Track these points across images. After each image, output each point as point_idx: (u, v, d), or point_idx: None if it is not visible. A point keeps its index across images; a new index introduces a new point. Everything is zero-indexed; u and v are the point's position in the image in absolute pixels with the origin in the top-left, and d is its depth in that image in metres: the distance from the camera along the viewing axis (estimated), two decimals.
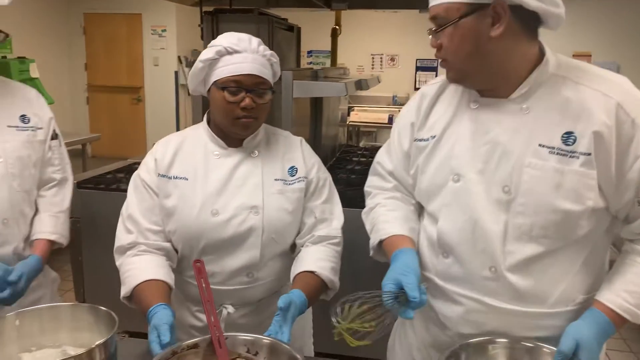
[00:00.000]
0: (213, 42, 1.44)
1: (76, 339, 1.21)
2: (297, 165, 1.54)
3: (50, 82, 6.62)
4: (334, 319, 1.18)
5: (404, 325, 1.50)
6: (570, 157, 1.15)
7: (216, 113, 1.47)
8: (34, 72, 6.27)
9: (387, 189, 1.47)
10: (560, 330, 1.19)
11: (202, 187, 1.45)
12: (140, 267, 1.41)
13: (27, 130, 1.70)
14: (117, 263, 1.49)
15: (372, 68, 8.77)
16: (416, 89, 8.49)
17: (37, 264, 1.62)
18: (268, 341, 1.23)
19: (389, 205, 1.43)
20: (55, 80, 7.12)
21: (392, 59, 8.76)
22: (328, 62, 8.33)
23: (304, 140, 1.61)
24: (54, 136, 1.78)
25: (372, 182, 1.52)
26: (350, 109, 7.08)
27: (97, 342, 1.05)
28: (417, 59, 8.54)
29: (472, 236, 1.24)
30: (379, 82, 4.13)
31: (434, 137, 1.32)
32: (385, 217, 1.40)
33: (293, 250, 1.58)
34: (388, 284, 1.20)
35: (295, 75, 2.71)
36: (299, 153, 1.57)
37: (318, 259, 1.49)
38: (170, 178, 1.47)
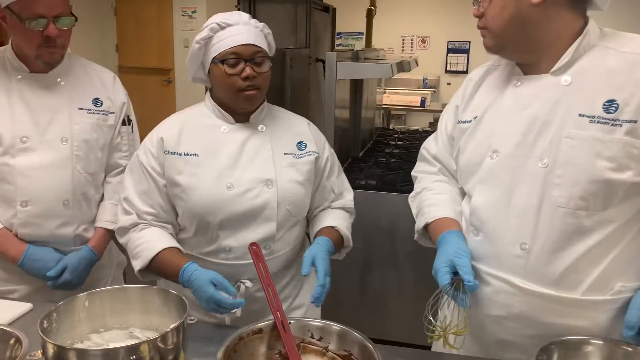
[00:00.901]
0: (204, 25, 1.46)
1: (144, 322, 1.20)
2: (305, 141, 1.57)
3: None
4: (435, 328, 1.23)
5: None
6: (613, 125, 1.12)
7: (219, 90, 1.49)
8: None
9: (432, 173, 1.49)
10: (595, 321, 1.17)
11: (214, 162, 1.46)
12: (152, 238, 1.45)
13: (98, 114, 1.69)
14: (122, 241, 1.52)
15: (403, 50, 8.63)
16: (447, 71, 8.36)
17: (86, 255, 1.65)
18: (337, 328, 1.21)
19: (435, 189, 1.44)
20: None
21: (423, 41, 8.61)
22: (357, 44, 8.26)
23: (310, 122, 1.65)
24: (126, 122, 1.78)
25: (419, 167, 1.55)
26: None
27: (171, 326, 1.03)
28: (448, 41, 8.37)
29: (504, 211, 1.22)
30: (417, 64, 4.06)
31: (476, 117, 1.32)
32: (431, 200, 1.41)
33: (302, 225, 1.63)
34: (442, 266, 1.21)
35: (338, 57, 2.66)
36: (306, 130, 1.60)
37: (337, 217, 1.60)
38: (180, 155, 1.47)
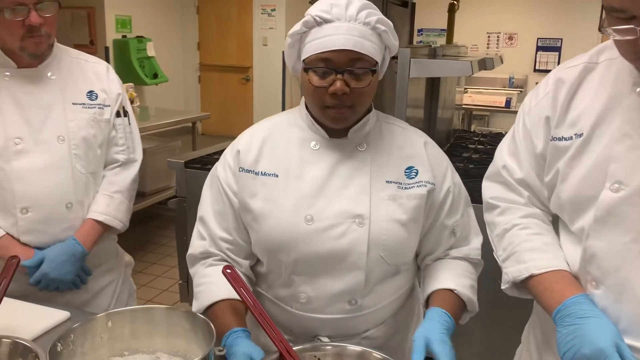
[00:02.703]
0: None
1: (171, 346, 1.08)
2: (417, 166, 1.22)
3: (165, 61, 6.83)
4: None
5: (528, 357, 1.24)
6: None
7: (307, 101, 1.22)
8: (151, 51, 6.50)
9: (521, 204, 1.17)
10: None
11: (295, 187, 1.19)
12: (214, 281, 1.21)
13: (94, 107, 1.57)
14: (191, 271, 1.31)
15: (488, 47, 8.20)
16: (536, 70, 7.85)
17: (68, 246, 1.51)
18: (349, 350, 1.07)
19: (532, 227, 1.14)
20: (169, 59, 7.32)
21: (510, 38, 8.12)
22: (439, 42, 7.93)
23: (429, 139, 1.29)
24: (121, 114, 1.64)
25: (497, 193, 1.20)
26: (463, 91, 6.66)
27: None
28: (538, 38, 7.85)
29: (636, 260, 0.95)
30: (502, 62, 3.76)
31: (580, 134, 1.03)
32: (530, 244, 1.11)
33: (408, 272, 1.32)
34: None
35: (412, 53, 2.46)
36: (421, 151, 1.24)
37: (456, 274, 1.23)
38: (257, 174, 1.22)
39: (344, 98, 1.12)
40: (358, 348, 1.08)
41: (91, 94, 1.58)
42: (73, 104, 1.54)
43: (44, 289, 1.51)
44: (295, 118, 1.27)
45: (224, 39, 8.11)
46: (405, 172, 1.21)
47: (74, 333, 0.99)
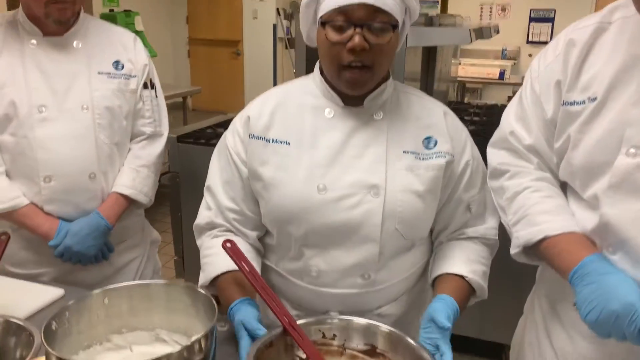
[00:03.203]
0: None
1: (171, 323, 1.04)
2: (436, 136, 1.17)
3: (153, 35, 6.67)
4: None
5: (535, 329, 1.21)
6: None
7: (323, 62, 1.16)
8: (139, 25, 6.35)
9: (531, 169, 1.13)
10: None
11: (307, 155, 1.14)
12: (219, 253, 1.14)
13: (120, 77, 1.54)
14: (197, 242, 1.27)
15: (481, 19, 8.08)
16: (529, 42, 7.77)
17: (91, 220, 1.51)
18: (354, 322, 1.04)
19: (544, 190, 1.09)
20: (158, 34, 7.17)
21: (504, 9, 8.02)
22: (432, 13, 7.82)
23: (449, 110, 1.22)
24: (148, 85, 1.61)
25: (505, 159, 1.15)
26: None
27: (195, 337, 0.86)
28: (531, 9, 7.76)
29: None
30: (498, 32, 3.69)
31: (594, 99, 0.98)
32: (542, 205, 1.07)
33: (423, 248, 1.28)
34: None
35: None
36: (440, 121, 1.18)
37: (469, 260, 1.18)
38: (268, 142, 1.17)
39: (363, 55, 1.05)
40: (364, 321, 1.04)
41: (117, 64, 1.55)
42: (98, 73, 1.52)
43: (67, 261, 1.52)
44: (309, 85, 1.21)
45: (213, 12, 7.94)
46: (423, 142, 1.16)
47: (69, 311, 0.95)
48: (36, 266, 1.56)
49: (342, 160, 1.13)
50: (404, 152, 1.15)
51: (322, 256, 1.16)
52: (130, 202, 1.61)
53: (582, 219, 1.03)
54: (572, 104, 1.02)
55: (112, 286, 1.01)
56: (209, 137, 2.89)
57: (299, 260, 1.20)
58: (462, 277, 1.15)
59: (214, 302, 0.95)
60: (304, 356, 1.01)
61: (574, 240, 1.02)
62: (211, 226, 1.24)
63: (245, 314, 1.02)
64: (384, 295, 1.22)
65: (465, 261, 1.18)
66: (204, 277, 1.19)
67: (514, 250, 1.11)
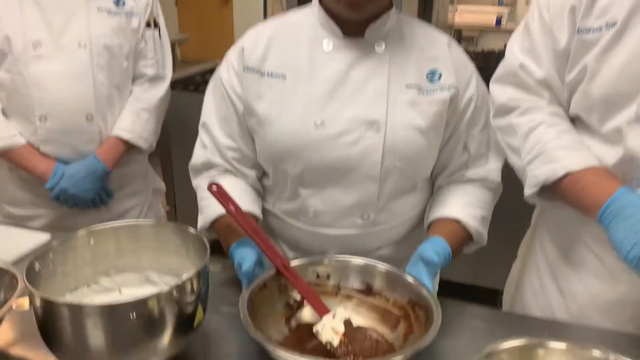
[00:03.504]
0: None
1: (161, 264, 1.00)
2: (441, 69, 1.09)
3: None
4: None
5: (537, 272, 1.18)
6: None
7: None
8: None
9: (543, 104, 1.06)
10: None
11: (304, 89, 1.08)
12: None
13: (120, 15, 1.47)
14: (193, 184, 1.22)
15: None
16: None
17: (88, 163, 1.48)
18: (349, 262, 1.01)
19: (561, 125, 1.03)
20: None
21: None
22: None
23: (453, 40, 1.15)
24: (151, 24, 1.55)
25: (514, 94, 1.08)
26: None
27: (186, 275, 0.82)
28: None
29: None
30: None
31: (613, 24, 0.92)
32: (561, 141, 1.01)
33: (424, 192, 1.23)
34: None
35: None
36: (444, 52, 1.11)
37: (467, 203, 1.13)
38: (263, 75, 1.11)
39: None
40: (359, 260, 1.01)
41: (118, 1, 1.48)
42: (98, 9, 1.45)
43: (64, 204, 1.50)
44: (306, 16, 1.14)
45: None
46: (427, 75, 1.09)
47: (52, 252, 0.90)
48: (33, 207, 1.55)
49: (340, 94, 1.07)
50: (407, 86, 1.08)
51: (319, 196, 1.12)
52: (129, 147, 1.56)
53: (600, 155, 0.98)
54: (588, 31, 0.96)
55: (97, 226, 0.96)
56: (198, 83, 2.82)
57: (296, 201, 1.15)
58: (457, 221, 1.11)
59: (206, 241, 0.91)
60: (298, 297, 0.98)
61: (599, 174, 0.96)
62: (208, 166, 1.19)
63: (242, 256, 0.98)
64: (383, 237, 1.19)
65: (462, 205, 1.13)
66: (203, 220, 1.15)
67: (529, 190, 1.04)
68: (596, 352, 0.76)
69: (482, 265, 2.56)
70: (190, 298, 0.83)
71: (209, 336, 0.98)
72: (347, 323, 0.91)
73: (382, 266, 0.99)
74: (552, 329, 1.02)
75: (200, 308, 0.86)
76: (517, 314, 1.20)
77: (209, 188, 1.01)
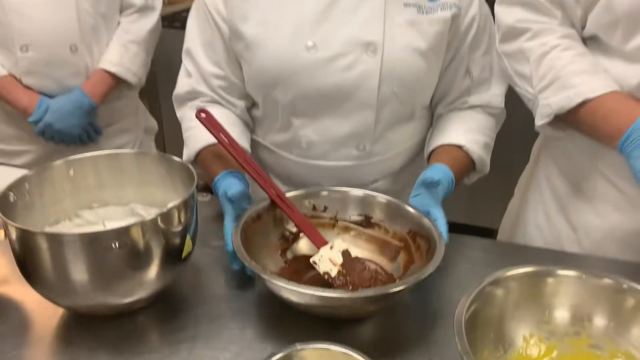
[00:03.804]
0: None
1: (146, 196, 0.94)
2: None
3: None
4: None
5: (543, 208, 1.13)
6: None
7: None
8: None
9: (556, 25, 0.97)
10: None
11: (294, 9, 0.99)
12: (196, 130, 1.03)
13: None
14: (178, 115, 1.15)
15: None
16: None
17: (73, 97, 1.41)
18: (347, 193, 0.96)
19: (575, 48, 0.95)
20: None
21: None
22: None
23: None
24: None
25: (523, 15, 0.99)
26: None
27: (172, 204, 0.77)
28: None
29: None
30: None
31: None
32: (577, 65, 0.93)
33: (423, 120, 1.16)
34: None
35: None
36: None
37: (469, 129, 1.07)
38: None
39: None
40: (358, 192, 0.96)
41: None
42: None
43: (50, 140, 1.44)
44: None
45: None
46: None
47: (29, 182, 0.84)
48: (19, 142, 1.49)
49: (333, 14, 0.98)
50: (405, 4, 0.99)
51: (312, 125, 1.06)
52: (117, 81, 1.49)
53: (622, 76, 0.90)
54: None
55: (76, 156, 0.90)
56: (185, 20, 2.69)
57: (287, 131, 1.09)
58: (459, 147, 1.05)
59: (192, 170, 0.85)
60: (294, 229, 0.94)
61: (619, 100, 0.89)
62: (193, 95, 1.12)
63: (229, 185, 0.92)
64: (379, 169, 1.13)
65: (464, 131, 1.07)
66: (188, 152, 1.08)
67: (541, 120, 0.97)
68: (610, 281, 0.72)
69: (476, 204, 2.53)
70: (177, 228, 0.78)
71: (200, 270, 0.94)
72: (345, 254, 0.87)
73: (381, 197, 0.94)
74: (560, 260, 0.98)
75: (188, 239, 0.81)
76: (522, 244, 1.15)
77: (197, 115, 0.94)
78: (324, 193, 0.97)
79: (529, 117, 1.02)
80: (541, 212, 1.13)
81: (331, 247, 0.87)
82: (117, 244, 0.72)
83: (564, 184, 1.08)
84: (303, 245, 0.94)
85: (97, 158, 0.91)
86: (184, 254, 0.81)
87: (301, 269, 0.90)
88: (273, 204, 0.91)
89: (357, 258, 0.87)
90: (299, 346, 0.69)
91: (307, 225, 0.90)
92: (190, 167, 0.86)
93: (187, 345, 0.78)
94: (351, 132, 1.05)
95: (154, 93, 2.71)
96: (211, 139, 1.01)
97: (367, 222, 0.95)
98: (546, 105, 0.95)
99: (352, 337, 0.80)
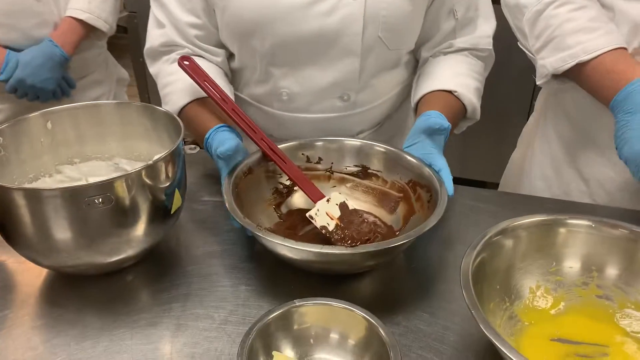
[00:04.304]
0: None
1: (130, 150, 0.89)
2: None
3: None
4: None
5: (550, 161, 1.09)
6: None
7: None
8: None
9: None
10: None
11: None
12: (182, 78, 0.94)
13: None
14: (152, 70, 1.06)
15: None
16: None
17: (43, 48, 1.32)
18: (342, 143, 0.92)
19: (573, 1, 0.89)
20: None
21: None
22: None
23: None
24: None
25: None
26: None
27: (158, 156, 0.72)
28: None
29: None
30: None
31: None
32: (574, 22, 0.88)
33: (409, 66, 1.10)
34: None
35: None
36: None
37: (458, 73, 1.01)
38: None
39: None
40: (356, 141, 0.91)
41: None
42: None
43: (23, 97, 1.36)
44: None
45: None
46: None
47: (3, 135, 0.78)
48: None
49: None
50: None
51: (293, 76, 1.00)
52: (87, 30, 1.41)
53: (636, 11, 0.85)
54: None
55: (53, 108, 0.84)
56: None
57: (267, 83, 1.03)
58: (450, 92, 0.99)
59: (179, 120, 0.80)
60: (287, 183, 0.89)
61: (618, 58, 0.84)
62: (168, 48, 1.03)
63: (221, 141, 0.86)
64: (365, 119, 1.08)
65: (453, 75, 1.01)
66: (171, 107, 0.99)
67: (540, 80, 0.94)
68: (626, 231, 0.69)
69: (469, 157, 2.50)
70: (165, 182, 0.74)
71: (191, 227, 0.90)
72: (343, 206, 0.82)
73: (380, 146, 0.90)
74: (569, 210, 0.95)
75: (177, 193, 0.77)
76: (528, 195, 1.11)
77: (180, 63, 0.88)
78: (319, 144, 0.92)
79: (521, 63, 0.98)
80: (549, 164, 1.09)
81: (328, 200, 0.83)
82: (100, 200, 0.67)
83: (575, 135, 1.03)
84: (297, 198, 0.90)
85: (75, 110, 0.85)
86: (173, 209, 0.77)
87: (297, 223, 0.86)
88: (265, 156, 0.86)
89: (355, 210, 0.83)
90: (297, 302, 0.66)
91: (302, 178, 0.86)
92: (177, 117, 0.80)
93: (179, 305, 0.74)
94: (335, 82, 1.00)
95: (137, 48, 2.61)
96: (195, 93, 0.95)
97: (364, 172, 0.91)
98: (542, 66, 0.92)
99: (351, 292, 0.77)
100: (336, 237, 0.79)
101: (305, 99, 1.02)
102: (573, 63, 0.87)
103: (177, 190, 0.77)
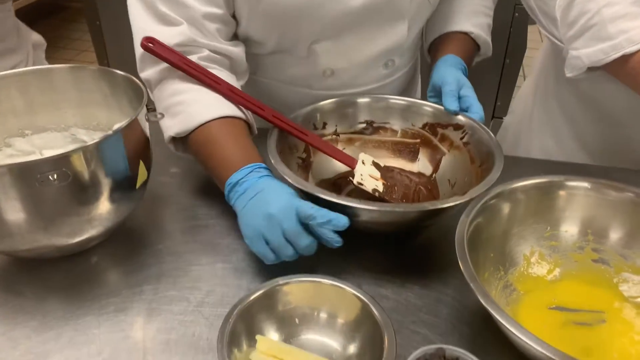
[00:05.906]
0: None
1: (89, 119, 0.81)
2: None
3: None
4: None
5: (548, 129, 1.05)
6: None
7: None
8: None
9: None
10: None
11: None
12: (206, 90, 0.77)
13: None
14: (154, 95, 0.82)
15: None
16: None
17: None
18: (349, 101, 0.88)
19: None
20: None
21: None
22: None
23: None
24: None
25: None
26: None
27: (118, 125, 0.64)
28: None
29: None
30: None
31: None
32: (614, 7, 0.75)
33: None
34: None
35: None
36: None
37: (472, 12, 0.97)
38: None
39: None
40: (352, 98, 0.89)
41: None
42: None
43: None
44: None
45: None
46: None
47: None
48: None
49: None
50: None
51: (337, 52, 0.89)
52: None
53: None
54: None
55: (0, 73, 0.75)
56: None
57: (307, 65, 0.91)
58: (466, 33, 0.96)
59: (141, 85, 0.72)
60: (304, 155, 0.82)
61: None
62: (185, 48, 0.79)
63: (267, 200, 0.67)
64: (401, 82, 1.03)
65: (468, 15, 0.97)
66: (183, 122, 0.76)
67: (572, 72, 0.83)
68: (632, 194, 0.65)
69: None
70: (127, 153, 0.66)
71: (159, 202, 0.83)
72: (376, 165, 0.80)
73: (380, 98, 0.88)
74: (573, 171, 0.90)
75: (142, 165, 0.70)
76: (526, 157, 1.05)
77: (143, 44, 0.73)
78: (326, 106, 0.87)
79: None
80: (549, 134, 1.04)
81: (363, 163, 0.79)
82: (55, 176, 0.60)
83: (587, 114, 0.98)
84: (316, 170, 0.84)
85: (23, 75, 0.76)
86: (138, 183, 0.70)
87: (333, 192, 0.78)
88: (283, 132, 0.78)
89: (387, 167, 0.81)
90: (281, 280, 0.61)
91: (329, 146, 0.80)
92: (138, 81, 0.72)
93: (150, 287, 0.68)
94: (383, 49, 0.91)
95: (93, 10, 2.47)
96: (218, 114, 0.76)
97: (370, 127, 0.87)
98: (576, 57, 0.80)
99: (334, 266, 0.71)
100: (394, 197, 0.77)
101: (350, 74, 0.93)
102: (616, 56, 0.75)
103: (141, 163, 0.70)
